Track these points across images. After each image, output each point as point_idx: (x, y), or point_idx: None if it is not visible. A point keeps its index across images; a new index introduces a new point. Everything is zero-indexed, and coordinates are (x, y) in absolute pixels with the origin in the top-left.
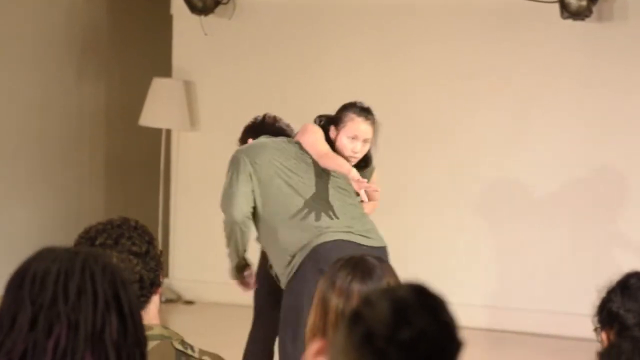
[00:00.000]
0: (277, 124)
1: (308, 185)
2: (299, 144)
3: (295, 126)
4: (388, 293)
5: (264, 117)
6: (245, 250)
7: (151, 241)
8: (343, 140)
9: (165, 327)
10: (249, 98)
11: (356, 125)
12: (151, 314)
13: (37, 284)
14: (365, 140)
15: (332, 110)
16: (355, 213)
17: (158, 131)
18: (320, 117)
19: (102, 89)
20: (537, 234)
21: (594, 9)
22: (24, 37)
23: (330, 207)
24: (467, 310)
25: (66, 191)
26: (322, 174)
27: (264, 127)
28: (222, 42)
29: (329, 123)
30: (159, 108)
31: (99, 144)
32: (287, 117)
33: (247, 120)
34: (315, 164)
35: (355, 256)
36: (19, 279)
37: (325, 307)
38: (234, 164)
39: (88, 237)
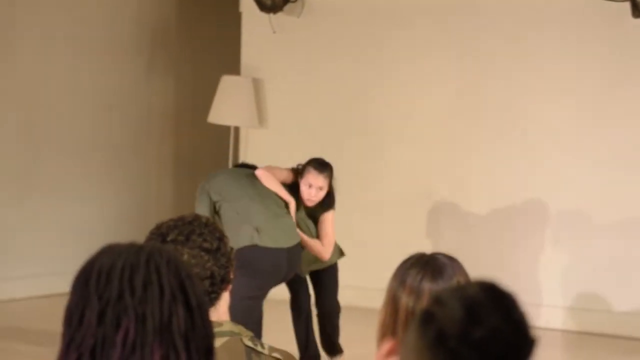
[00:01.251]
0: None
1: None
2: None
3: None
4: (458, 292)
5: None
6: None
7: (222, 238)
8: (302, 187)
9: (235, 324)
10: (317, 95)
11: (312, 176)
12: (221, 311)
13: (102, 279)
14: (319, 188)
15: (399, 106)
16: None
17: (226, 128)
18: (298, 165)
19: (171, 86)
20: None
21: None
22: (95, 36)
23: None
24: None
25: (135, 186)
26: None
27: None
28: (290, 40)
29: (300, 171)
30: (227, 105)
31: (168, 140)
32: (355, 115)
33: (315, 117)
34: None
35: (426, 254)
36: (84, 276)
37: (396, 305)
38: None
39: (159, 233)
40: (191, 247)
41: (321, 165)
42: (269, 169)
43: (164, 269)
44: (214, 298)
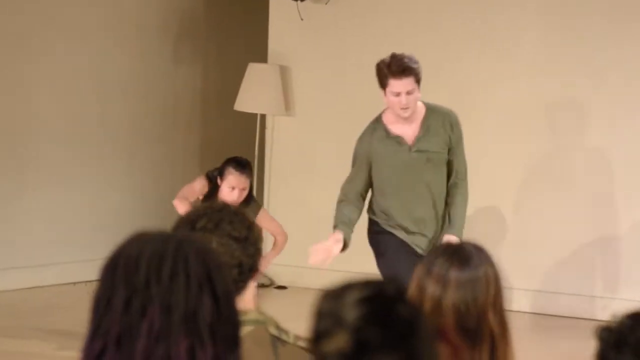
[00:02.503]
0: None
1: None
2: None
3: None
4: (333, 320)
5: None
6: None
7: (251, 227)
8: (224, 189)
9: (261, 312)
10: (344, 83)
11: (233, 177)
12: (247, 299)
13: (130, 267)
14: (242, 189)
15: (427, 93)
16: None
17: (253, 115)
18: (213, 170)
19: (198, 74)
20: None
21: None
22: (123, 23)
23: None
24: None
25: (162, 174)
26: None
27: None
28: (318, 27)
29: (219, 173)
30: (254, 93)
31: (194, 127)
32: (382, 103)
33: (341, 105)
34: None
35: (453, 244)
36: (113, 263)
37: (422, 294)
38: None
39: (188, 220)
40: (220, 235)
41: (241, 165)
42: (182, 192)
43: (192, 258)
44: (241, 287)
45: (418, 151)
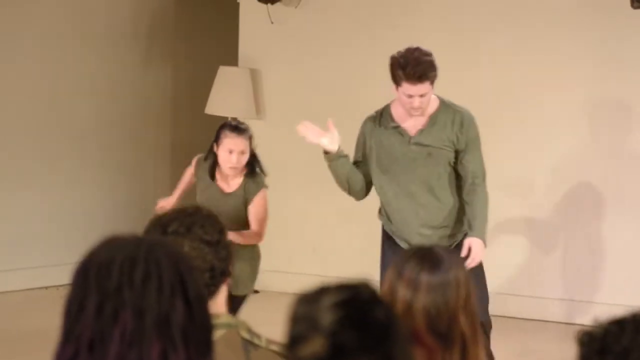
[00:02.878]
0: None
1: None
2: None
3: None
4: (309, 325)
5: None
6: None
7: (222, 231)
8: (222, 155)
9: (232, 316)
10: (314, 86)
11: (230, 140)
12: (219, 303)
13: (102, 272)
14: (241, 152)
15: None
16: None
17: (224, 119)
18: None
19: (169, 77)
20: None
21: None
22: (93, 24)
23: None
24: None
25: (132, 176)
26: None
27: None
28: (288, 30)
29: (215, 141)
30: (224, 96)
31: (164, 129)
32: (352, 106)
33: (312, 109)
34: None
35: (424, 247)
36: (84, 267)
37: (393, 297)
38: None
39: (160, 224)
40: (192, 239)
41: (236, 127)
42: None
43: (164, 262)
44: (212, 291)
45: (418, 144)
